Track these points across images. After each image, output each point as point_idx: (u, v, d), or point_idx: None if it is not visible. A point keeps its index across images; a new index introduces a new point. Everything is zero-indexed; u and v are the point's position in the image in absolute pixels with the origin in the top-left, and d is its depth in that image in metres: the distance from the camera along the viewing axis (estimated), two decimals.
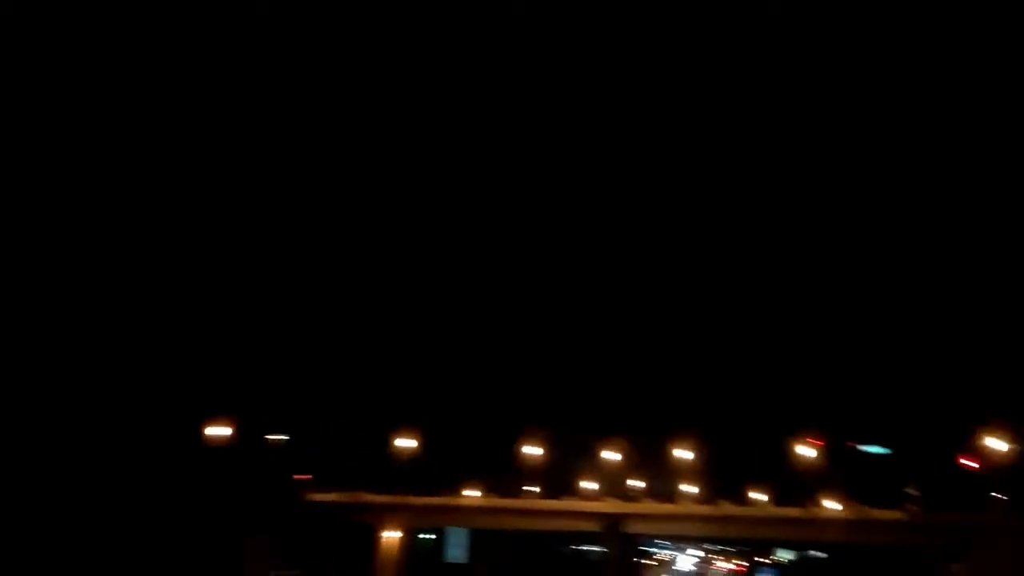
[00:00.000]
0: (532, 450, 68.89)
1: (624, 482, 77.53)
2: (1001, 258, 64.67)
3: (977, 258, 67.25)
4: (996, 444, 53.19)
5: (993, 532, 52.37)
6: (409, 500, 66.35)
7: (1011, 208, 65.53)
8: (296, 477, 72.27)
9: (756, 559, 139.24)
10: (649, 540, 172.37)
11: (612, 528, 67.23)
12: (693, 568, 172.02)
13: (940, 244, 69.05)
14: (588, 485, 75.93)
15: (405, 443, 65.63)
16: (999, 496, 54.39)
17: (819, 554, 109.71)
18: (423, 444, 67.56)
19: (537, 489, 74.19)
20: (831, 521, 59.81)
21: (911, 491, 58.58)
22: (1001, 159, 65.84)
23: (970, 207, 68.60)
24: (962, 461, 63.82)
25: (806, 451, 62.56)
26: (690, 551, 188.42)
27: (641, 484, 78.48)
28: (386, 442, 67.22)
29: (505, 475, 73.86)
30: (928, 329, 71.83)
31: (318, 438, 74.45)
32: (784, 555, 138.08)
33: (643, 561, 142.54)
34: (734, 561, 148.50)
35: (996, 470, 53.99)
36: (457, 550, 53.53)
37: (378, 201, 77.56)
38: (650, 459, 79.43)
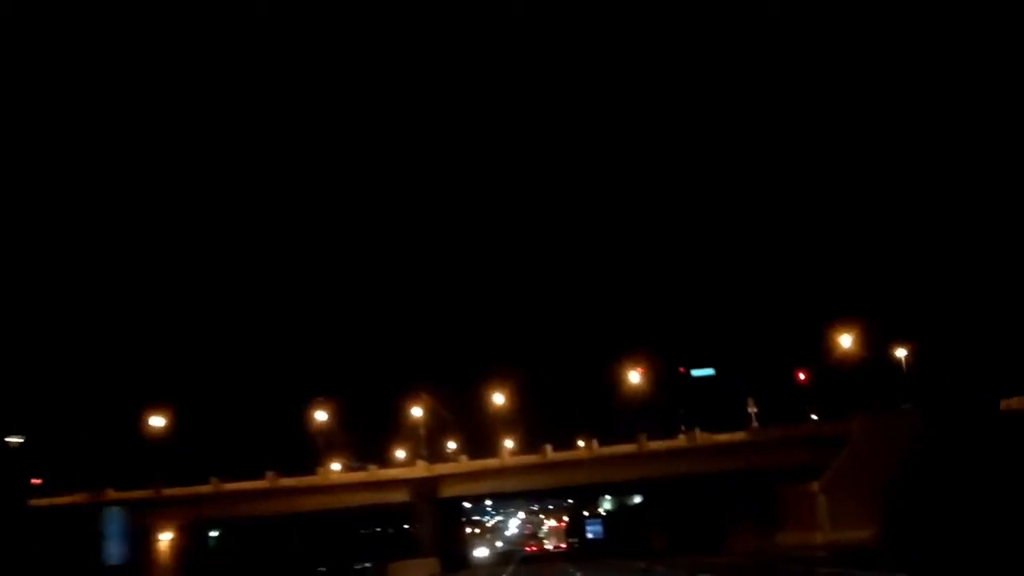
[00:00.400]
0: (321, 416, 55.23)
1: (437, 444, 66.37)
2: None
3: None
4: (845, 342, 44.47)
5: (848, 440, 43.39)
6: (168, 493, 51.09)
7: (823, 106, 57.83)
8: (34, 481, 55.90)
9: (584, 513, 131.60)
10: (479, 508, 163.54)
11: (424, 495, 54.52)
12: (516, 530, 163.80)
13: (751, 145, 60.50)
14: (399, 454, 64.37)
15: (156, 422, 49.99)
16: (849, 401, 45.63)
17: (637, 498, 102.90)
18: (189, 427, 52.59)
19: (338, 466, 61.46)
20: (666, 452, 49.65)
21: (750, 409, 49.19)
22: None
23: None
24: (799, 376, 55.92)
25: (632, 379, 52.14)
26: (521, 514, 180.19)
27: (454, 445, 67.51)
28: (138, 430, 51.66)
29: (304, 453, 60.16)
30: (745, 244, 63.50)
31: (60, 434, 57.87)
32: (606, 505, 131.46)
33: (469, 530, 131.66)
34: (564, 518, 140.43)
35: (846, 372, 45.39)
36: (114, 546, 38.32)
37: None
38: (463, 416, 67.99)
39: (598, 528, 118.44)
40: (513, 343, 64.02)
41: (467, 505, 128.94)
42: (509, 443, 62.04)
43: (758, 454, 46.77)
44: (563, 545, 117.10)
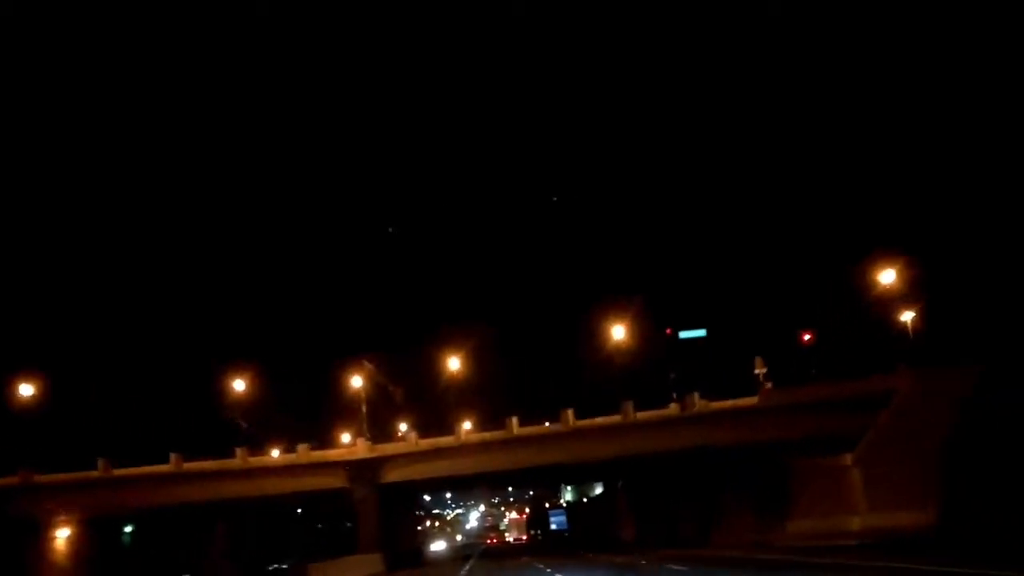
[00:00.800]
0: (238, 385, 43.88)
1: (387, 426, 55.52)
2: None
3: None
4: (887, 278, 34.17)
5: (892, 402, 33.11)
6: (42, 479, 39.46)
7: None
8: None
9: (547, 505, 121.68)
10: (440, 501, 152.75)
11: (365, 480, 43.59)
12: (477, 523, 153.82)
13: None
14: (345, 439, 53.31)
15: (25, 392, 38.26)
16: (884, 356, 35.27)
17: (599, 488, 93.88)
18: (69, 399, 41.00)
19: (275, 453, 50.11)
20: (658, 423, 39.15)
21: (757, 370, 38.82)
22: None
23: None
24: (804, 337, 45.83)
25: (615, 334, 41.64)
26: (481, 507, 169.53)
27: (405, 427, 56.55)
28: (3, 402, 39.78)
29: (228, 435, 48.68)
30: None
31: None
32: (567, 496, 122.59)
33: (428, 523, 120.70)
34: (527, 510, 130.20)
35: (888, 316, 35.08)
36: None
37: None
38: (414, 391, 57.14)
39: (562, 519, 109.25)
40: (472, 304, 52.99)
41: (427, 498, 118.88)
42: (468, 425, 51.52)
43: (773, 423, 36.40)
44: (523, 537, 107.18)
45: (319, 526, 73.74)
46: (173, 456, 41.31)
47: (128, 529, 56.08)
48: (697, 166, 57.95)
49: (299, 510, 68.26)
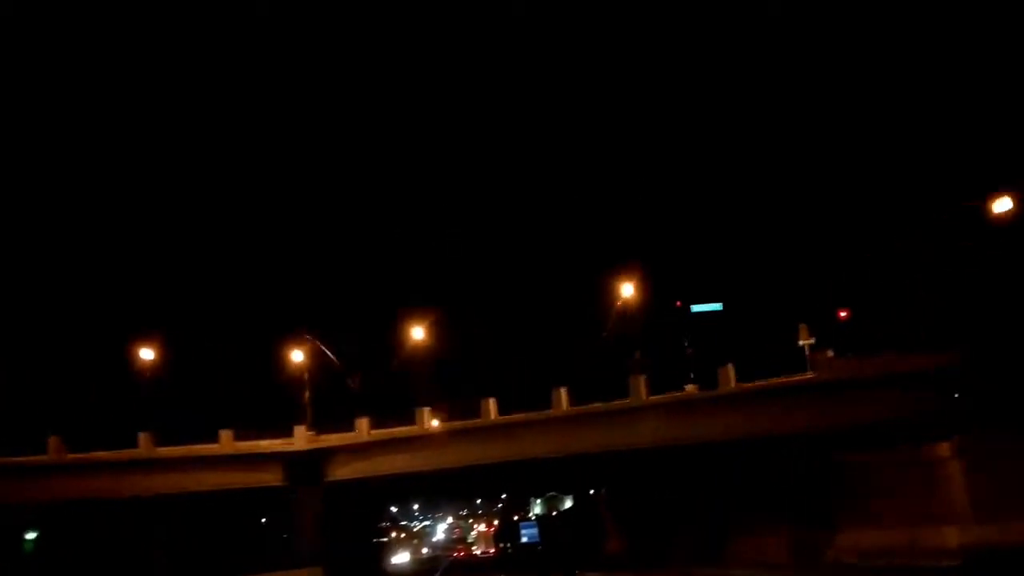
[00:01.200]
0: (147, 354, 33.45)
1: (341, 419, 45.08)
2: None
3: None
4: (1003, 206, 24.82)
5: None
6: None
7: None
8: None
9: (516, 517, 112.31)
10: (407, 513, 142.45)
11: (305, 476, 33.47)
12: (444, 535, 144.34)
13: None
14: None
15: None
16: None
17: (568, 502, 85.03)
18: None
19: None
20: (678, 407, 29.44)
21: (802, 341, 29.18)
22: None
23: None
24: (840, 314, 36.59)
25: (624, 292, 32.02)
26: (449, 519, 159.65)
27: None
28: None
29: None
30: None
31: None
32: (537, 508, 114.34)
33: (393, 534, 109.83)
34: (495, 522, 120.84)
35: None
36: None
37: None
38: (374, 378, 46.75)
39: (533, 531, 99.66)
40: (437, 281, 43.33)
41: (393, 509, 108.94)
42: (435, 423, 41.48)
43: (832, 404, 26.76)
44: (491, 550, 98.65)
45: (284, 536, 63.38)
46: (53, 442, 30.76)
47: (31, 536, 45.45)
48: (701, 140, 49.06)
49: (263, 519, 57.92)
